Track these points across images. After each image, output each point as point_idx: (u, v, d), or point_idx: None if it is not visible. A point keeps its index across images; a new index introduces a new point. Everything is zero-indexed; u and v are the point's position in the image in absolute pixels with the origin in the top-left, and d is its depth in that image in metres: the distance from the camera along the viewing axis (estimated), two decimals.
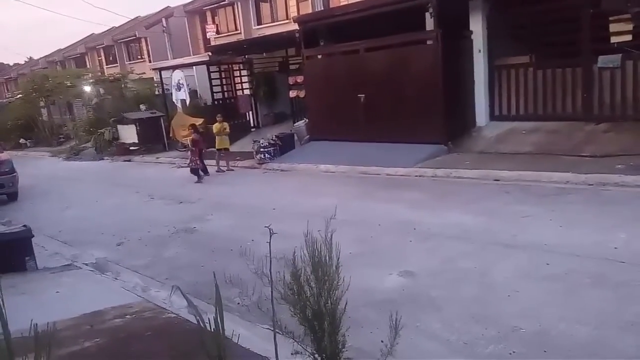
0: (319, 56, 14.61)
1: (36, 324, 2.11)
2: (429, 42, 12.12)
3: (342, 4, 16.61)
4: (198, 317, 2.89)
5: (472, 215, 7.13)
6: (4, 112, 32.30)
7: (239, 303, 4.86)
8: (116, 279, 6.27)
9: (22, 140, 29.85)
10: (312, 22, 14.58)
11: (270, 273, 2.96)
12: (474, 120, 12.55)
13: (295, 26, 15.03)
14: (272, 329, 3.18)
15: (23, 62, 48.09)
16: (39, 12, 78.36)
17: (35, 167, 19.85)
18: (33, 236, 6.38)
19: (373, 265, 5.62)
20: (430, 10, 11.76)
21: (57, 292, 5.46)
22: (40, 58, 42.09)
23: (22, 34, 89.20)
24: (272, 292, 3.00)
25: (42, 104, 30.76)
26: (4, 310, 1.99)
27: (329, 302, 3.08)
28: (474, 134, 12.17)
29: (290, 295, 3.01)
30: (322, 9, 16.31)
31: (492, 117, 12.52)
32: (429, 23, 12.15)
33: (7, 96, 40.37)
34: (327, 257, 3.11)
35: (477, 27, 12.17)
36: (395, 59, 12.61)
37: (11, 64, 54.11)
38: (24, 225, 6.44)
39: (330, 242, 3.09)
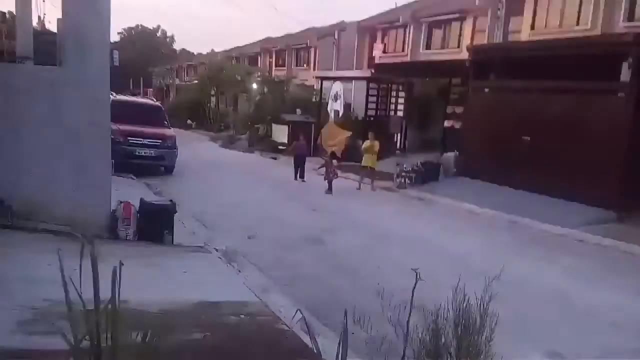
0: (486, 89, 13.74)
1: None
2: (620, 95, 10.66)
3: (523, 40, 15.48)
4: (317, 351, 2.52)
5: None
6: (180, 93, 36.08)
7: (353, 333, 4.47)
8: (239, 271, 6.25)
9: (188, 121, 33.03)
10: (487, 53, 13.79)
11: (408, 326, 2.48)
12: None
13: (464, 56, 14.35)
14: None
15: (205, 53, 53.41)
16: (229, 9, 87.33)
17: (194, 147, 21.63)
18: (176, 212, 6.65)
19: (513, 334, 4.80)
20: (630, 60, 10.33)
21: (184, 272, 5.54)
22: (220, 52, 46.30)
23: (211, 26, 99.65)
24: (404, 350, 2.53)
25: (212, 92, 33.75)
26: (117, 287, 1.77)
27: None
28: None
29: (425, 357, 2.52)
30: (501, 41, 15.35)
31: None
32: (625, 73, 10.66)
33: (185, 80, 45.13)
34: (478, 323, 2.58)
35: None
36: (573, 105, 11.32)
37: (195, 52, 60.52)
38: (170, 200, 6.75)
39: (486, 307, 2.55)
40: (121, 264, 1.78)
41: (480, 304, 2.52)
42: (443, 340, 2.55)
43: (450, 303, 2.76)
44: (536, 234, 9.51)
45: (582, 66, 10.85)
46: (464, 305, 2.59)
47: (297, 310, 3.92)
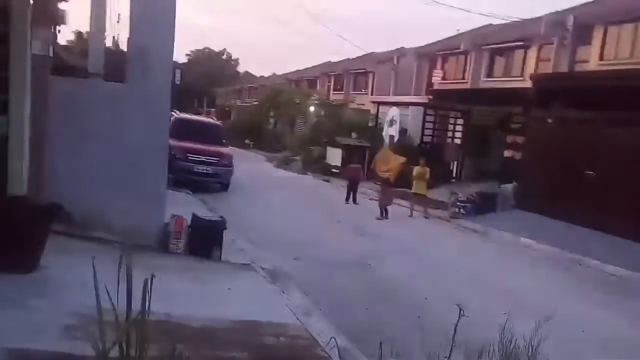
0: (549, 120, 13.20)
1: None
2: None
3: (590, 69, 14.87)
4: None
5: None
6: (240, 114, 37.15)
7: None
8: (283, 292, 6.22)
9: (247, 141, 33.85)
10: (551, 82, 13.33)
11: None
12: None
13: (527, 85, 13.93)
14: None
15: (267, 76, 54.89)
16: (293, 35, 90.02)
17: (250, 166, 22.06)
18: (226, 229, 6.73)
19: None
20: None
21: (229, 289, 5.57)
22: (281, 75, 47.46)
23: (275, 50, 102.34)
24: None
25: (271, 113, 34.54)
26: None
27: None
28: None
29: None
30: (566, 70, 14.80)
31: None
32: None
33: (246, 101, 46.44)
34: None
35: None
36: None
37: (258, 75, 62.30)
38: (221, 217, 6.85)
39: (535, 350, 2.37)
40: (153, 276, 1.79)
41: (528, 347, 2.35)
42: None
43: (496, 343, 2.60)
44: (597, 274, 8.94)
45: None
46: (512, 346, 2.43)
47: (331, 338, 3.85)
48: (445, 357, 2.35)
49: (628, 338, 5.82)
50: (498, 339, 2.62)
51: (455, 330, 2.26)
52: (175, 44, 6.73)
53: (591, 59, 15.74)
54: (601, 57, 15.51)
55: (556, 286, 7.88)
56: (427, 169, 13.79)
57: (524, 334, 2.55)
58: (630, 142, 10.88)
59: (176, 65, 10.44)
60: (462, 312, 2.38)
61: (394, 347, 3.12)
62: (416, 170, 13.83)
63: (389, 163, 16.41)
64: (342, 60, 38.10)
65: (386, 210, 13.03)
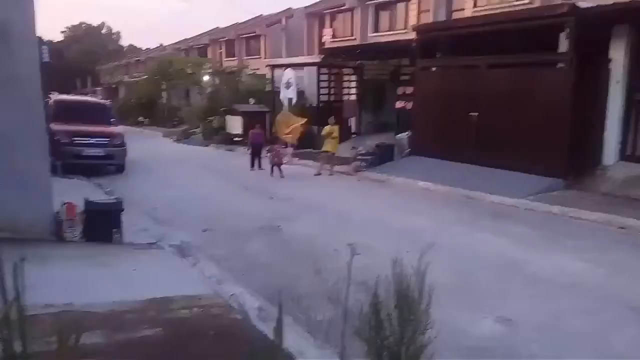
0: (434, 68, 13.92)
1: None
2: (559, 66, 11.00)
3: (466, 16, 15.71)
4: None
5: (591, 265, 6.15)
6: (130, 90, 35.06)
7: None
8: (195, 264, 6.15)
9: (140, 118, 32.17)
10: (432, 32, 13.95)
11: (346, 301, 2.48)
12: (600, 157, 11.18)
13: (412, 37, 14.48)
14: None
15: (153, 48, 51.97)
16: (174, 1, 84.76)
17: (147, 144, 21.11)
18: (123, 210, 6.45)
19: (465, 304, 4.93)
20: (567, 30, 10.66)
21: (134, 269, 5.40)
22: (169, 45, 45.16)
23: (158, 20, 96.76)
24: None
25: (163, 87, 32.95)
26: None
27: (412, 347, 2.56)
28: (599, 173, 10.82)
29: (367, 330, 2.53)
30: (444, 20, 15.53)
31: (623, 156, 11.06)
32: (563, 44, 11.00)
33: (134, 76, 43.79)
34: (417, 293, 2.60)
35: (618, 55, 10.89)
36: (518, 79, 11.60)
37: (143, 48, 58.82)
38: (116, 198, 6.54)
39: (423, 275, 2.57)
40: (22, 259, 1.67)
41: (417, 274, 2.54)
42: (384, 312, 2.56)
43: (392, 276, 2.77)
44: (488, 206, 9.76)
45: (524, 39, 11.13)
46: (403, 276, 2.61)
47: (231, 295, 3.89)
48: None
49: (513, 256, 6.48)
50: (394, 271, 2.78)
51: (349, 269, 2.38)
52: (38, 18, 6.16)
53: (466, 7, 16.64)
54: (475, 4, 16.45)
55: (452, 221, 8.51)
56: (336, 127, 14.02)
57: (424, 265, 2.73)
58: (506, 82, 11.78)
59: (43, 41, 9.55)
60: (354, 250, 2.50)
61: (300, 296, 3.23)
62: (325, 129, 14.03)
63: (290, 125, 16.50)
64: (231, 25, 37.00)
65: (280, 169, 13.19)
